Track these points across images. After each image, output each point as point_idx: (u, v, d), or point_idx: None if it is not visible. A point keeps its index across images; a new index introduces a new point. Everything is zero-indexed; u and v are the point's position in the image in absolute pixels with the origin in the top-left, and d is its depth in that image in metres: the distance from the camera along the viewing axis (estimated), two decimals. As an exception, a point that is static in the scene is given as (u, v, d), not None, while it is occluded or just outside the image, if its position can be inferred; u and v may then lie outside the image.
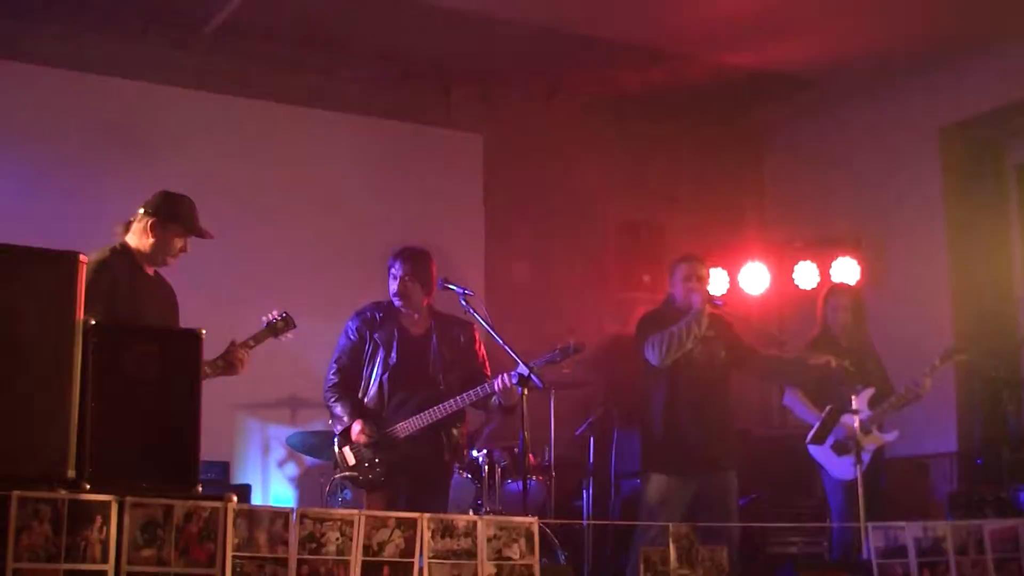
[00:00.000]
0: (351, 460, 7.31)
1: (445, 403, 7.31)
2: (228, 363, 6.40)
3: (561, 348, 7.22)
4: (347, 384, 7.47)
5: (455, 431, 7.49)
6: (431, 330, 7.56)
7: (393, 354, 7.43)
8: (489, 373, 7.56)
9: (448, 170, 10.58)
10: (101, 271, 6.10)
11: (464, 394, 7.30)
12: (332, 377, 7.51)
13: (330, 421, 7.55)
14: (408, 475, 7.33)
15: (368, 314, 7.58)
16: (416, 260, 7.54)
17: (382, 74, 10.35)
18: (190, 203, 6.46)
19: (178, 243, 6.40)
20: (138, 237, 6.35)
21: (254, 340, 6.60)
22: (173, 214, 6.38)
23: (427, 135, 10.55)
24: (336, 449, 7.42)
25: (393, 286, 7.51)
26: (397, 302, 7.53)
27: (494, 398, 7.34)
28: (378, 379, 7.43)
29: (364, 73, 10.28)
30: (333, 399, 7.46)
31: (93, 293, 5.88)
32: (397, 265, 7.52)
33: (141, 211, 6.36)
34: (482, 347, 7.70)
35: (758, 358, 8.16)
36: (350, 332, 7.55)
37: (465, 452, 7.94)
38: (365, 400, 7.44)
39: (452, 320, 7.63)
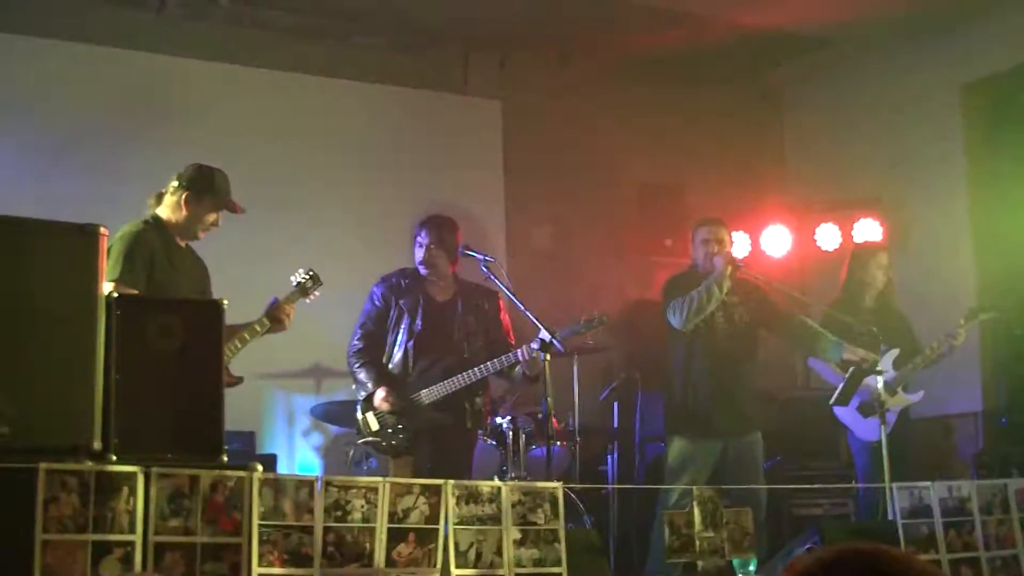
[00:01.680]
0: (374, 426, 7.34)
1: (469, 371, 7.35)
2: (275, 319, 6.45)
3: (585, 320, 7.25)
4: (372, 350, 7.53)
5: (478, 399, 7.53)
6: (456, 297, 7.61)
7: (418, 321, 7.48)
8: (513, 341, 7.60)
9: (467, 137, 10.56)
10: (138, 244, 6.14)
11: (489, 363, 7.34)
12: (357, 343, 7.57)
13: (354, 387, 7.59)
14: (431, 442, 7.38)
15: (393, 280, 7.64)
16: (441, 228, 7.57)
17: (400, 42, 10.33)
18: (223, 176, 6.50)
19: (211, 217, 6.43)
20: (171, 210, 6.37)
21: (287, 301, 6.64)
22: (208, 187, 6.40)
23: (446, 102, 10.53)
24: (359, 415, 7.45)
25: (419, 254, 7.55)
26: (423, 270, 7.56)
27: (518, 368, 7.36)
28: (403, 345, 7.48)
29: (382, 41, 10.26)
30: (357, 365, 7.51)
31: (134, 266, 6.01)
32: (423, 233, 7.56)
33: (175, 183, 6.38)
34: (507, 315, 7.73)
35: (793, 323, 8.10)
36: (375, 298, 7.61)
37: (488, 419, 7.96)
38: (390, 366, 7.50)
39: (477, 288, 7.67)
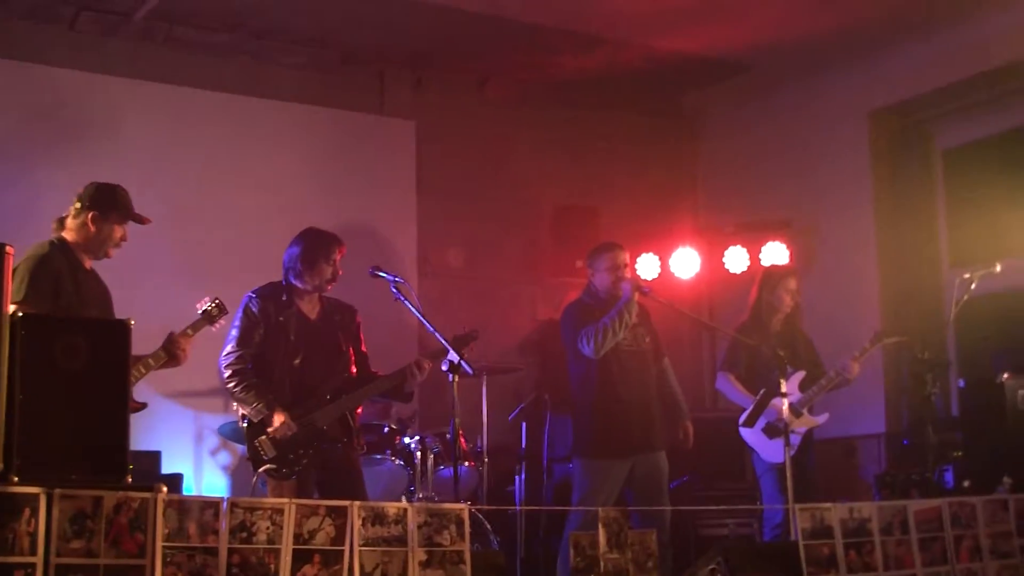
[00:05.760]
0: (271, 452, 7.01)
1: (360, 391, 7.26)
2: (170, 353, 6.39)
3: (455, 337, 7.13)
4: (253, 368, 7.15)
5: (352, 415, 7.38)
6: (323, 314, 7.40)
7: (296, 338, 7.22)
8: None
9: (381, 157, 10.56)
10: (44, 266, 6.12)
11: (378, 381, 7.30)
12: (234, 361, 7.12)
13: (238, 408, 7.22)
14: (319, 466, 7.16)
15: (269, 293, 7.32)
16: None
17: (315, 61, 10.34)
18: (124, 191, 6.50)
19: (119, 232, 6.43)
20: (77, 232, 6.35)
21: (191, 329, 6.58)
22: (112, 204, 6.40)
23: (360, 122, 10.53)
24: (252, 441, 7.07)
25: (328, 272, 7.30)
26: (329, 287, 7.41)
27: (406, 384, 7.32)
28: (285, 364, 7.19)
29: (296, 60, 10.27)
30: (242, 385, 7.07)
31: (40, 288, 5.98)
32: (339, 251, 7.38)
33: (78, 205, 6.37)
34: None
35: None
36: (252, 311, 7.22)
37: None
38: (272, 385, 7.15)
39: (338, 304, 7.50)
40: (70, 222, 6.37)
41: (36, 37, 9.30)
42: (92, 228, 6.34)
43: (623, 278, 7.94)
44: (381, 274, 7.22)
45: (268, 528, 4.76)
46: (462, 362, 6.86)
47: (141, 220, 6.51)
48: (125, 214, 6.44)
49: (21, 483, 4.26)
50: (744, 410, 8.15)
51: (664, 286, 10.12)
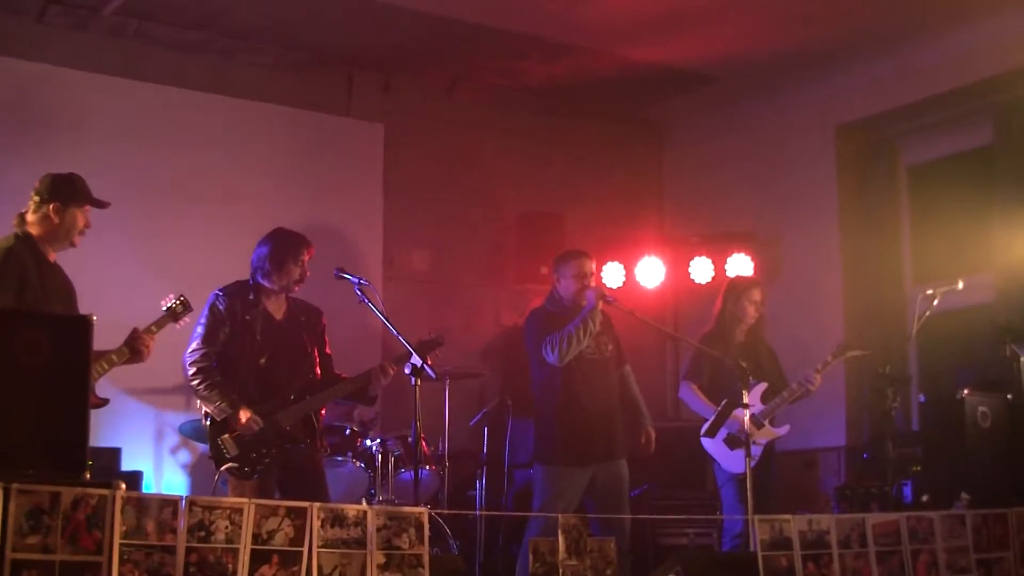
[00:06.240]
0: (234, 450, 6.98)
1: (326, 392, 7.27)
2: (134, 349, 6.38)
3: (420, 342, 7.16)
4: (218, 367, 7.13)
5: (316, 416, 7.38)
6: (288, 314, 7.39)
7: (263, 338, 7.21)
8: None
9: (349, 159, 10.54)
10: (9, 260, 6.12)
11: (343, 383, 7.29)
12: (199, 358, 7.10)
13: (202, 406, 7.17)
14: (281, 466, 7.14)
15: (236, 292, 7.29)
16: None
17: (284, 61, 10.30)
18: (80, 177, 6.51)
19: (81, 219, 6.45)
20: (40, 225, 6.35)
21: (155, 326, 6.58)
22: (72, 192, 6.42)
23: (328, 123, 10.50)
24: (215, 439, 7.05)
25: (296, 272, 7.27)
26: (296, 288, 7.39)
27: (371, 387, 7.30)
28: (251, 364, 7.18)
29: (266, 60, 10.23)
30: (206, 383, 7.04)
31: (4, 282, 5.97)
32: (308, 252, 7.36)
33: (36, 199, 6.37)
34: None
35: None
36: (219, 308, 7.19)
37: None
38: (238, 384, 7.14)
39: (303, 305, 7.50)
40: (31, 216, 6.36)
41: (3, 29, 9.22)
42: (55, 219, 6.34)
43: (588, 286, 7.97)
44: (346, 276, 7.19)
45: (227, 527, 4.73)
46: (425, 366, 6.85)
47: (101, 204, 6.53)
48: (84, 199, 6.45)
49: (-22, 477, 4.23)
50: (706, 420, 8.16)
51: (629, 295, 10.14)
